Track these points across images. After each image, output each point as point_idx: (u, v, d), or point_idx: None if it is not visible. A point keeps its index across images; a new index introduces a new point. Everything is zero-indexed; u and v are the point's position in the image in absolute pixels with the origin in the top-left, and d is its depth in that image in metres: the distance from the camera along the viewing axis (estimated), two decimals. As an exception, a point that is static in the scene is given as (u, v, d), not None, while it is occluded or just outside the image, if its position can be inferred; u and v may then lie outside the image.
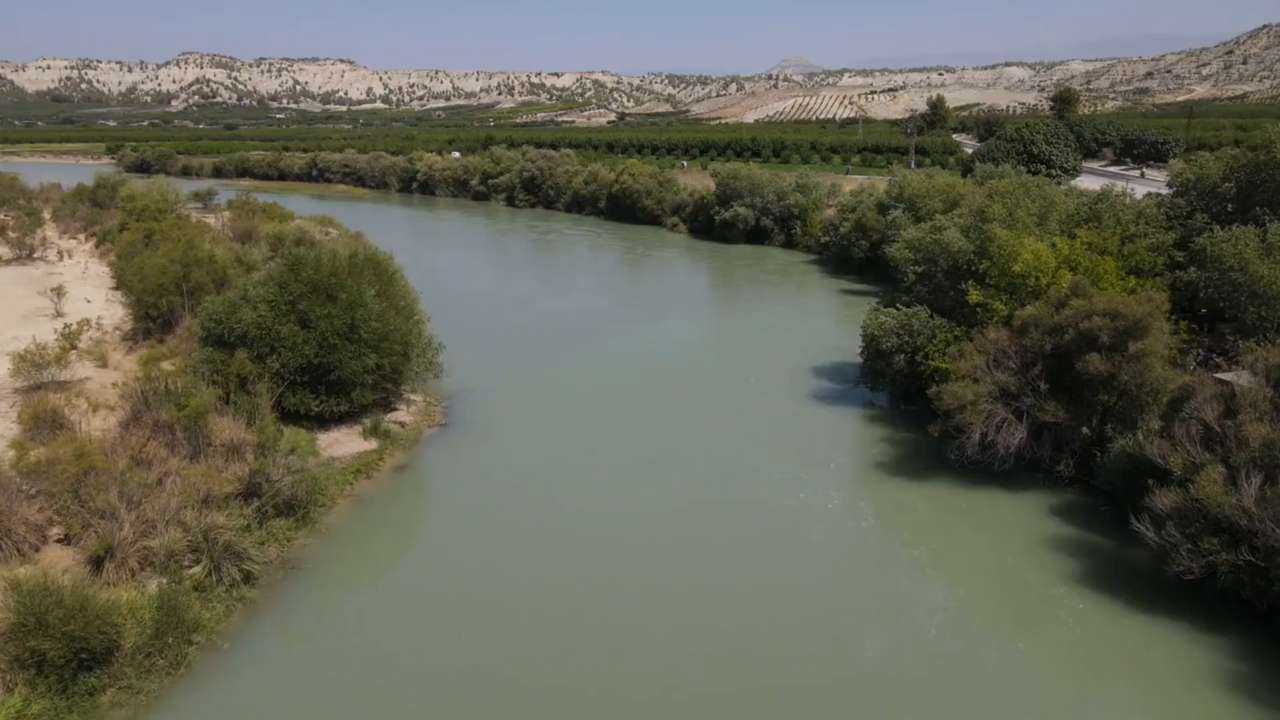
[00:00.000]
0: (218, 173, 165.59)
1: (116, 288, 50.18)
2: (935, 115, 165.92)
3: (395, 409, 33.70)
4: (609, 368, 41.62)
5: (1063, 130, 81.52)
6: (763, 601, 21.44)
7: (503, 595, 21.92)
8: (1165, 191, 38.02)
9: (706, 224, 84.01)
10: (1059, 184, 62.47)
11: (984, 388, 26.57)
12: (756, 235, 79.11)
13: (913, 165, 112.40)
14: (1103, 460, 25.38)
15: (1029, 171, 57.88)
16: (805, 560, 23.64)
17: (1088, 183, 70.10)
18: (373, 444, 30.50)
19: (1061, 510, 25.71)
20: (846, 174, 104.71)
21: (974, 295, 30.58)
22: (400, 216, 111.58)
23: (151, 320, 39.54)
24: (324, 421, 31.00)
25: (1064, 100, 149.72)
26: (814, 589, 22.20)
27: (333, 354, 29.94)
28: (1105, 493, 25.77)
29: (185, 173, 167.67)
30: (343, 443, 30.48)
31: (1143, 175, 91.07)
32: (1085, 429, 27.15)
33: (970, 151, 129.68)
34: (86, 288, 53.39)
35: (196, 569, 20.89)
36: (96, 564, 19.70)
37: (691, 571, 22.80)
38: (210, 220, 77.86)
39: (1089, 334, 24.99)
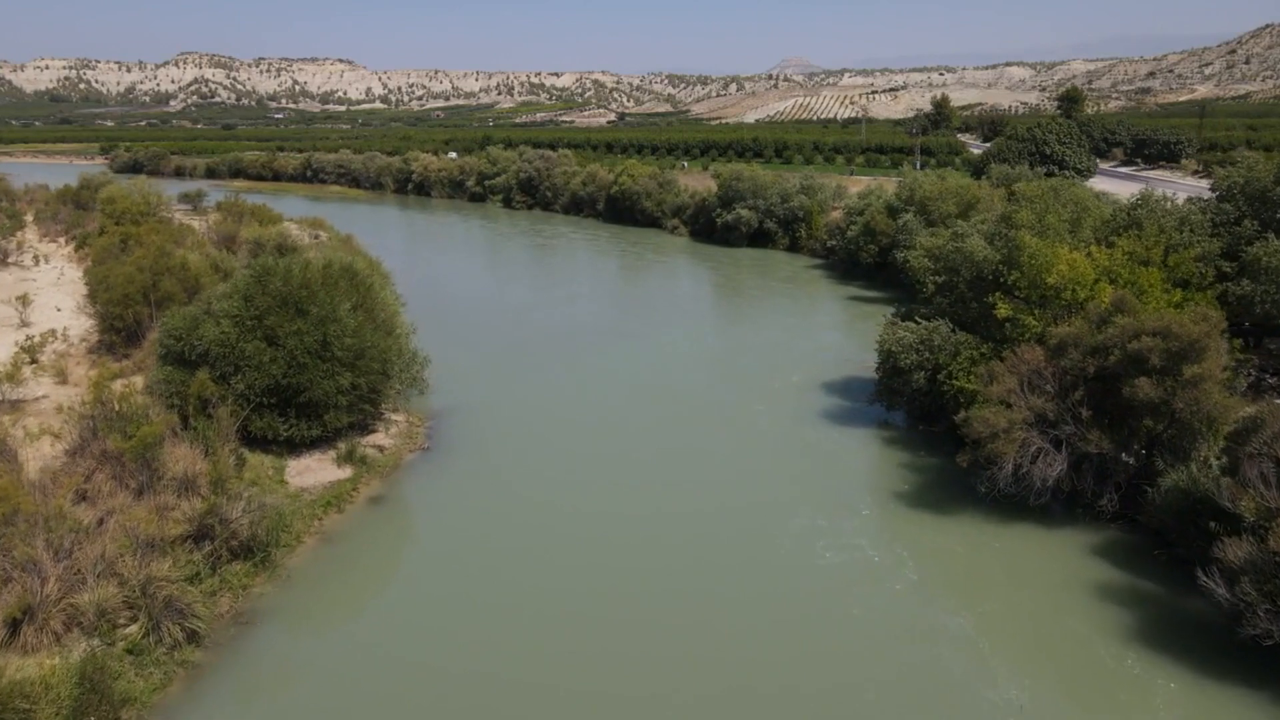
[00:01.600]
0: (211, 173, 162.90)
1: (89, 296, 47.68)
2: (939, 115, 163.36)
3: (374, 430, 31.17)
4: (607, 383, 39.09)
5: (1075, 130, 79.03)
6: (789, 694, 18.08)
7: (487, 650, 19.40)
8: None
9: (708, 226, 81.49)
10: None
11: (1018, 414, 24.03)
12: (759, 238, 76.59)
13: (918, 166, 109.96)
14: (1152, 496, 22.83)
15: (1046, 174, 55.39)
16: (835, 633, 20.11)
17: (1102, 185, 67.61)
18: (347, 472, 27.97)
19: (1109, 552, 23.15)
20: (850, 174, 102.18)
21: (1003, 309, 28.04)
22: (394, 218, 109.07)
23: (116, 333, 37.04)
24: (294, 447, 28.48)
25: (1070, 100, 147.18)
26: (853, 679, 18.50)
27: (303, 374, 27.41)
28: (1154, 531, 23.26)
29: (178, 173, 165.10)
30: (314, 470, 27.94)
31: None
32: (1128, 458, 24.63)
33: (976, 152, 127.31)
34: (59, 295, 50.85)
35: (133, 628, 18.37)
36: (13, 627, 17.17)
37: (702, 640, 19.95)
38: (196, 223, 75.28)
39: (1137, 356, 22.46)
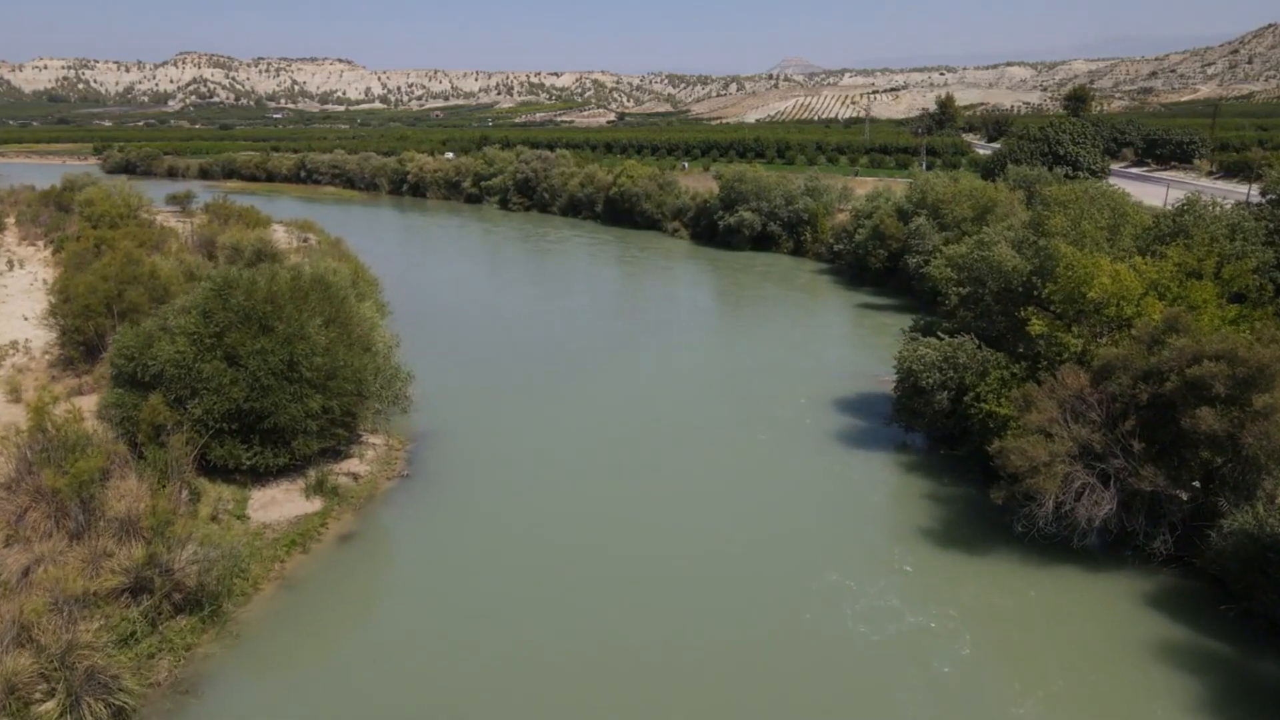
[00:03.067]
0: (204, 174, 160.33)
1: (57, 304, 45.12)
2: (944, 114, 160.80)
3: (349, 456, 28.63)
4: (602, 401, 36.50)
5: (1090, 130, 76.46)
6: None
7: (469, 712, 16.91)
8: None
9: (709, 229, 78.96)
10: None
11: (1060, 445, 21.50)
12: (763, 241, 74.07)
13: (924, 166, 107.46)
14: (1213, 539, 20.30)
15: (1067, 177, 52.85)
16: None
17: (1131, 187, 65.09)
18: (316, 504, 25.42)
19: (1167, 603, 20.58)
20: (855, 175, 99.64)
21: (1037, 325, 25.52)
22: (387, 220, 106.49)
23: (76, 347, 34.54)
24: (259, 476, 25.96)
25: (1077, 99, 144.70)
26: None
27: (267, 397, 24.87)
28: (1213, 578, 20.75)
29: (171, 174, 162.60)
30: (280, 503, 25.39)
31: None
32: (1181, 493, 22.12)
33: (982, 152, 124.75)
34: (29, 302, 48.28)
35: (50, 705, 15.85)
36: (-98, 711, 14.67)
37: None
38: (182, 225, 72.68)
39: (1198, 383, 19.94)
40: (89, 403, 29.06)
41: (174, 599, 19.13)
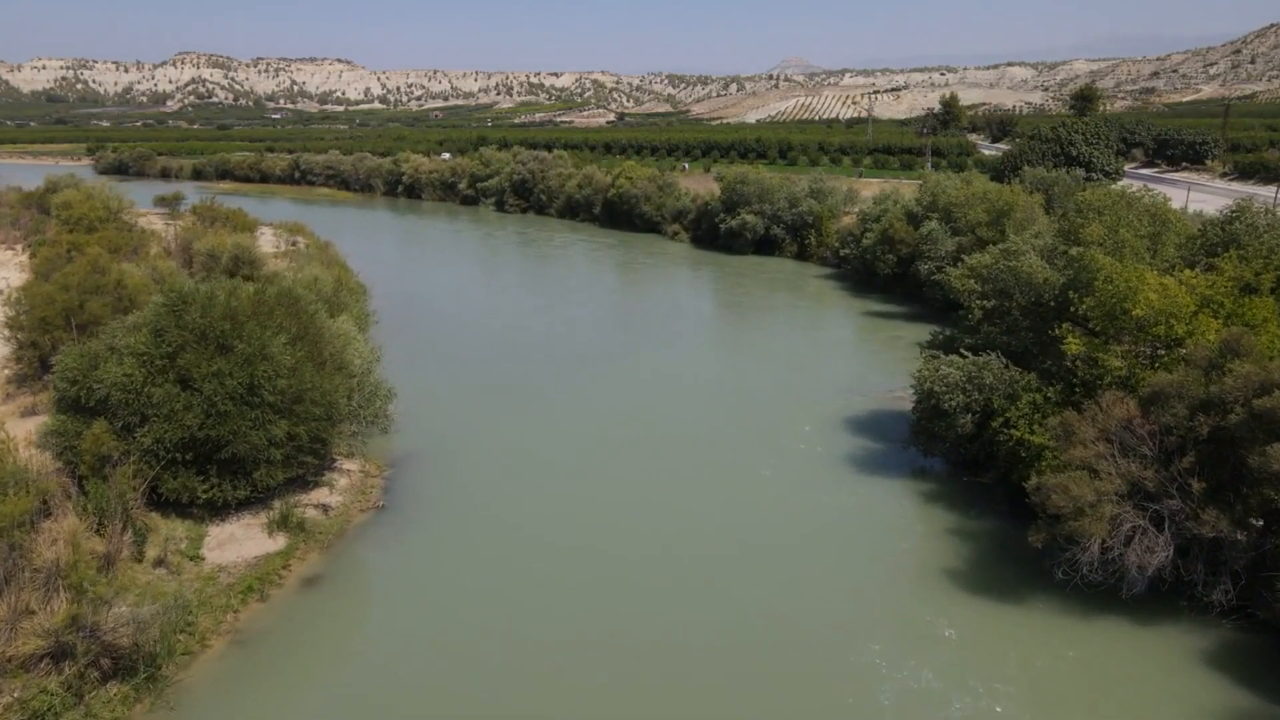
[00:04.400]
0: (198, 175, 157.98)
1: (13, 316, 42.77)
2: (948, 114, 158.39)
3: (319, 485, 26.26)
4: (600, 420, 34.09)
5: (1103, 129, 74.09)
6: None
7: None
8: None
9: (710, 232, 76.61)
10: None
11: (1108, 484, 19.15)
12: (765, 245, 71.71)
13: (929, 167, 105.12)
14: (1283, 591, 17.96)
15: (1087, 179, 50.46)
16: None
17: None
18: (279, 542, 23.06)
19: (1233, 664, 18.20)
20: (859, 176, 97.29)
21: (1074, 345, 23.17)
22: (381, 222, 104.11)
23: (32, 363, 32.20)
24: (217, 510, 23.60)
25: (1084, 99, 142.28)
26: None
27: (224, 423, 22.51)
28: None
29: (164, 175, 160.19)
30: (239, 541, 23.04)
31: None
32: (1239, 535, 19.76)
33: (987, 153, 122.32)
34: (-4, 311, 45.88)
35: (-59, 804, 13.52)
36: None
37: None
38: (166, 229, 70.31)
39: (1269, 416, 17.58)
40: (38, 425, 26.74)
41: (103, 664, 16.77)
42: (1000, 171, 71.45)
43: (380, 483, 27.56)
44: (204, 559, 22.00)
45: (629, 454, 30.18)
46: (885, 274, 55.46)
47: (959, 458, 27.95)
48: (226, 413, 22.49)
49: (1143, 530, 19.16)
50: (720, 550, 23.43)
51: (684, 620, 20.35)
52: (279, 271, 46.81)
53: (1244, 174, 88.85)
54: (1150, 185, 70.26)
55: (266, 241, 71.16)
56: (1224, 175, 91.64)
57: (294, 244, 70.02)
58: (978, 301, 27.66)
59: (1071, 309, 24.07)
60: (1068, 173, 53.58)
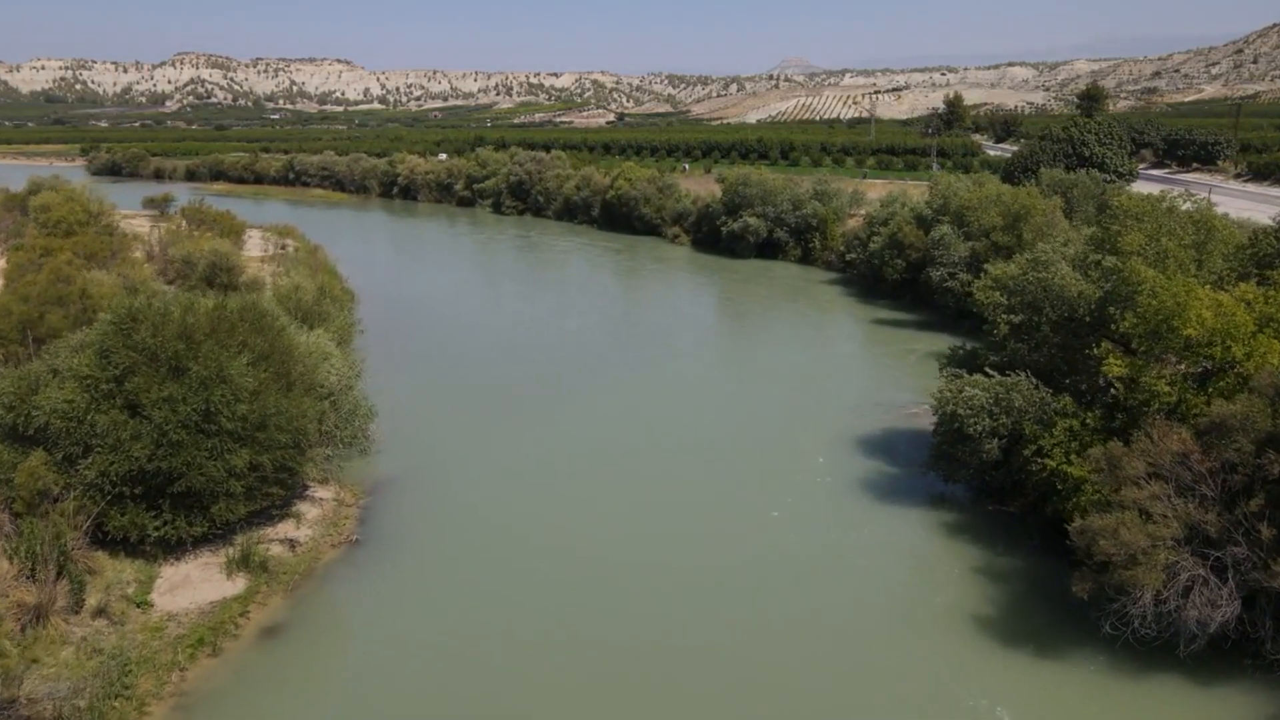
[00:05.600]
0: (191, 176, 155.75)
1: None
2: (952, 114, 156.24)
3: (287, 517, 24.11)
4: (596, 443, 31.81)
5: (1117, 130, 71.95)
6: None
7: None
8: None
9: (712, 235, 74.39)
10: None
11: (1164, 528, 16.99)
12: (768, 249, 69.52)
13: (934, 168, 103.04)
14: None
15: (1109, 180, 48.32)
16: None
17: (1147, 190, 60.53)
18: (238, 585, 20.91)
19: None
20: (863, 177, 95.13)
21: (1115, 367, 21.03)
22: (375, 224, 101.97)
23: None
24: (173, 547, 21.46)
25: (1091, 98, 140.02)
26: None
27: (177, 454, 20.36)
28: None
29: (158, 176, 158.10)
30: (193, 583, 20.89)
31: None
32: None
33: (991, 153, 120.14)
34: (-37, 320, 43.65)
35: None
36: None
37: None
38: (151, 232, 68.13)
39: (1352, 455, 15.43)
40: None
41: (18, 743, 14.64)
42: (1011, 173, 69.32)
43: (355, 513, 25.39)
44: (153, 605, 19.85)
45: (629, 486, 27.65)
46: (894, 279, 53.28)
47: (982, 484, 25.80)
48: (179, 442, 20.34)
49: (1203, 580, 17.00)
50: (724, 601, 21.13)
51: (686, 683, 18.19)
52: (259, 278, 44.72)
53: (1259, 175, 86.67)
54: (1140, 185, 67.86)
55: (255, 245, 69.12)
56: (1237, 176, 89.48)
57: (283, 247, 67.95)
58: (1003, 316, 25.49)
59: (1112, 326, 21.92)
60: (1087, 174, 51.36)
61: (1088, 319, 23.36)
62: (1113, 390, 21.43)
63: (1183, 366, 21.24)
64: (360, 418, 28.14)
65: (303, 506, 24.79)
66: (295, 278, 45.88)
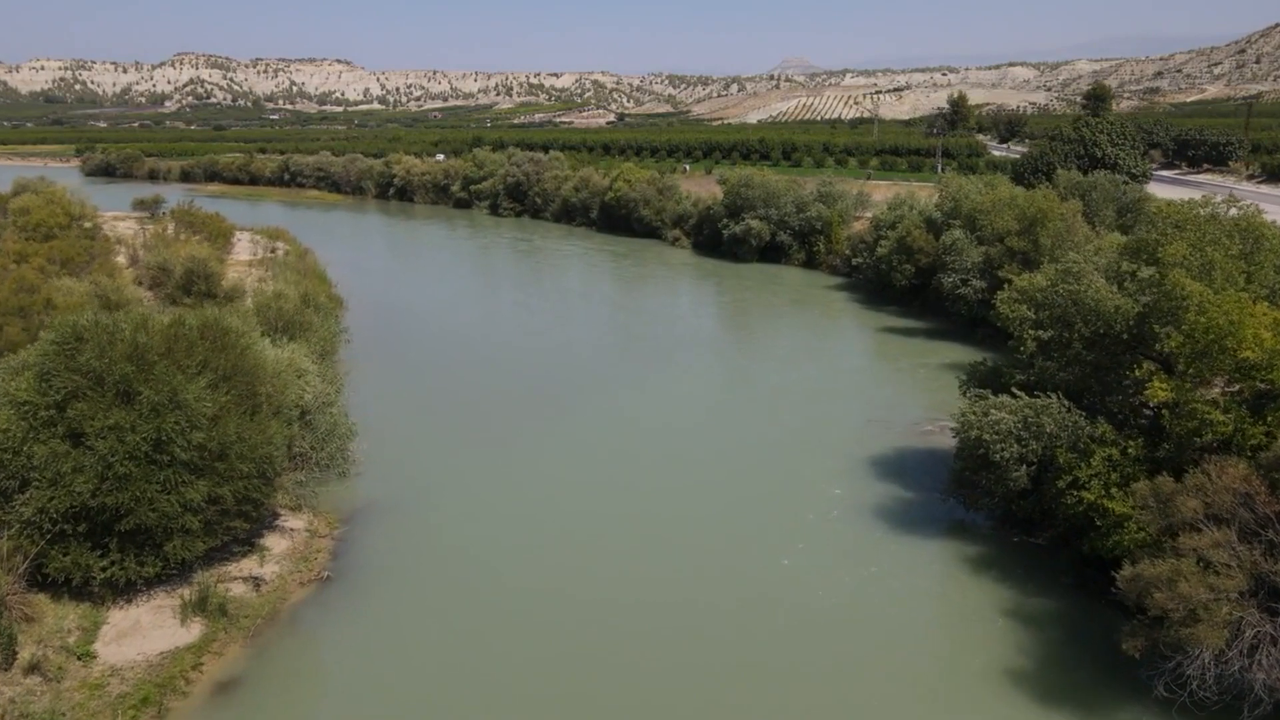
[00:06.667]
0: (186, 177, 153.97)
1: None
2: (957, 114, 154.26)
3: (252, 551, 22.16)
4: (592, 468, 29.73)
5: (1130, 129, 69.98)
6: None
7: None
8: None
9: (713, 238, 72.44)
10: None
11: (1226, 579, 15.04)
12: (771, 252, 67.57)
13: (939, 169, 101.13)
14: None
15: (1126, 183, 46.37)
16: None
17: (1162, 192, 58.64)
18: (193, 631, 18.95)
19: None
20: (868, 178, 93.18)
21: (1160, 391, 19.08)
22: (369, 226, 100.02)
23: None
24: (123, 589, 19.52)
25: (1097, 98, 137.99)
26: None
27: (125, 488, 18.42)
28: None
29: (152, 176, 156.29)
30: (144, 630, 18.93)
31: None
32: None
33: (997, 154, 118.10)
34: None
35: None
36: None
37: None
38: (137, 235, 66.24)
39: None
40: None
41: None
42: (1021, 174, 67.32)
43: (329, 545, 23.43)
44: (96, 657, 17.89)
45: (628, 522, 25.28)
46: (902, 285, 51.34)
47: (1007, 513, 23.84)
48: (127, 475, 18.39)
49: (1271, 639, 15.06)
50: (731, 661, 19.04)
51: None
52: (240, 285, 42.78)
53: (1273, 176, 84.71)
54: (1163, 188, 65.97)
55: (244, 248, 67.21)
56: (1250, 178, 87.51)
57: (273, 251, 66.06)
58: (1031, 331, 23.52)
59: (1157, 345, 19.98)
60: (1107, 176, 49.39)
61: (1125, 336, 21.41)
62: (1146, 410, 19.46)
63: (1232, 390, 19.30)
64: (339, 438, 26.23)
65: (270, 539, 22.84)
66: (278, 285, 43.96)
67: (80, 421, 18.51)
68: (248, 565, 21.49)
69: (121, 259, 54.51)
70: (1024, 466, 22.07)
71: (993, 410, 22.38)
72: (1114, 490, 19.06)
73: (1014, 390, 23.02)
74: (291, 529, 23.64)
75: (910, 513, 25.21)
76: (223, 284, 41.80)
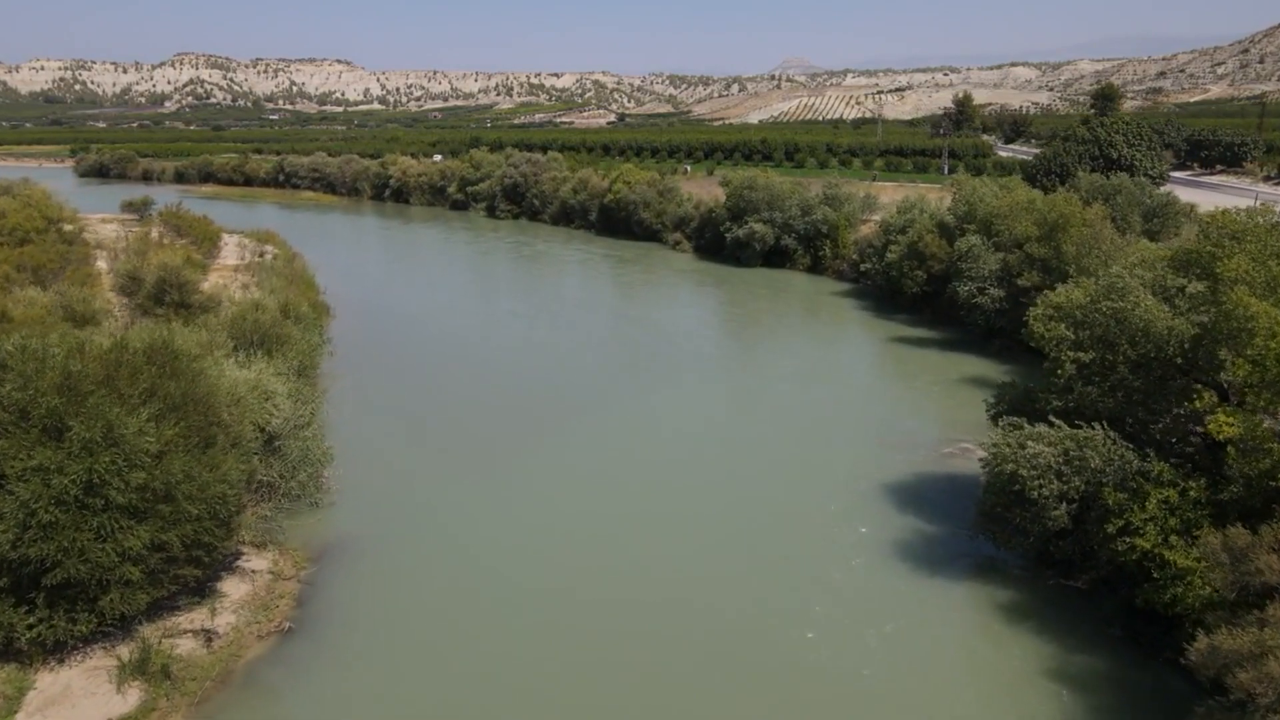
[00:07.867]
0: (180, 178, 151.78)
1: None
2: (962, 114, 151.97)
3: (205, 601, 19.93)
4: (588, 498, 27.37)
5: (1146, 130, 67.69)
6: None
7: None
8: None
9: (715, 242, 70.18)
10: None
11: (1324, 657, 12.80)
12: (776, 257, 65.30)
13: (946, 170, 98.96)
14: None
15: (1153, 183, 44.12)
16: None
17: (1180, 195, 56.33)
18: (130, 700, 16.72)
19: None
20: (873, 180, 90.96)
21: (1225, 426, 16.87)
22: (363, 229, 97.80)
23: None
24: (51, 650, 17.31)
25: (1106, 97, 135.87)
26: None
27: (50, 538, 16.22)
28: None
29: (146, 177, 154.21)
30: (75, 697, 16.71)
31: None
32: None
33: (1003, 154, 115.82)
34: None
35: None
36: None
37: None
38: (120, 240, 64.02)
39: None
40: None
41: None
42: (1034, 175, 65.06)
43: (294, 588, 21.20)
44: (15, 732, 15.70)
45: (628, 572, 22.65)
46: (913, 292, 49.11)
47: (1043, 552, 21.62)
48: (53, 523, 16.19)
49: (1377, 728, 12.82)
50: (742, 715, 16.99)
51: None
52: (217, 294, 40.56)
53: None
54: (1177, 190, 63.71)
55: (231, 252, 65.06)
56: (1267, 179, 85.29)
57: (261, 255, 63.91)
58: (1069, 353, 21.28)
59: (1219, 373, 17.75)
60: (1130, 178, 47.14)
61: (1178, 360, 19.19)
62: (1193, 438, 17.24)
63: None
64: (311, 464, 24.24)
65: (228, 584, 20.61)
66: (259, 294, 41.77)
67: (0, 462, 16.31)
68: (199, 617, 19.26)
69: (102, 264, 52.37)
70: (1064, 504, 19.86)
71: (1029, 442, 20.14)
72: (1173, 538, 16.84)
73: (1052, 419, 20.79)
74: (253, 570, 21.41)
75: (934, 551, 22.96)
76: (199, 292, 39.59)
